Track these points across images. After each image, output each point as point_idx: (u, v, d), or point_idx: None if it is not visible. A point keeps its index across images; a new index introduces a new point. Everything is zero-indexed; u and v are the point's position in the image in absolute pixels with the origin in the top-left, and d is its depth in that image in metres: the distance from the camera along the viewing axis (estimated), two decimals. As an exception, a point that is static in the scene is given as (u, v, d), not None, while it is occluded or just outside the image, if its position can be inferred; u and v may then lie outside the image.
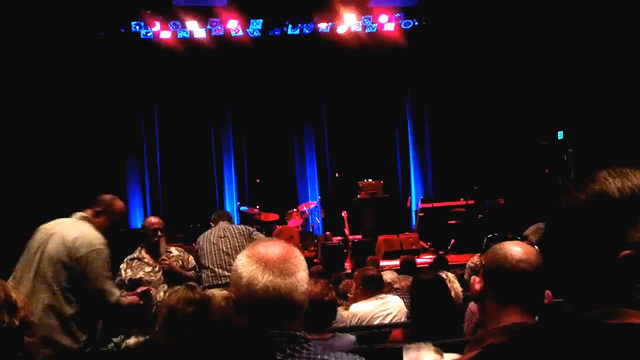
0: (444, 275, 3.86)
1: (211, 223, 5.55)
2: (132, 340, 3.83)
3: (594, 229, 0.88)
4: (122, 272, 4.67)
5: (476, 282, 1.72)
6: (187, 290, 2.79)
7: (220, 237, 5.18)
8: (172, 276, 4.60)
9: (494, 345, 0.97)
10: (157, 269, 4.68)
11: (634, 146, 8.53)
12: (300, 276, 1.50)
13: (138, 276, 4.61)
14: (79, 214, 3.61)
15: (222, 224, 5.36)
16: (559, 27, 10.60)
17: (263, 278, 1.45)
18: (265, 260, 1.48)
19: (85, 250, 3.38)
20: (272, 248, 1.52)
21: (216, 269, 5.07)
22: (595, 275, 0.88)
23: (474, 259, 4.37)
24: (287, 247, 1.55)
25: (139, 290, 4.24)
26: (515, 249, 1.66)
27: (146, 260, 4.72)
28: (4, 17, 9.25)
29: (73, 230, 3.45)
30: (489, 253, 1.72)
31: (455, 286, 4.24)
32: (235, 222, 12.46)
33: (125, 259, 4.77)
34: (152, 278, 4.62)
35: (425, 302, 3.39)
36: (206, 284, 4.97)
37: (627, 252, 0.85)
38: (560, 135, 11.14)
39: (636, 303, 0.86)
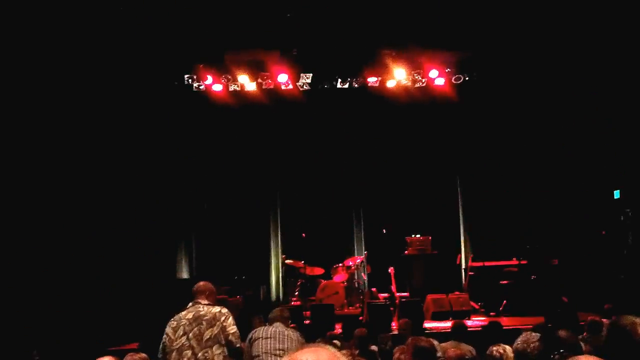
0: (500, 350, 3.61)
1: (266, 322, 5.39)
2: None
3: None
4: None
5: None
6: None
7: (271, 337, 4.99)
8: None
9: None
10: None
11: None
12: None
13: None
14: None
15: (278, 326, 5.14)
16: (614, 84, 10.35)
17: None
18: None
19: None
20: (306, 355, 1.37)
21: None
22: None
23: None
24: (323, 355, 1.39)
25: None
26: None
27: None
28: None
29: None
30: None
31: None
32: (280, 275, 12.50)
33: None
34: None
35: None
36: None
37: None
38: (616, 194, 10.73)
39: None
